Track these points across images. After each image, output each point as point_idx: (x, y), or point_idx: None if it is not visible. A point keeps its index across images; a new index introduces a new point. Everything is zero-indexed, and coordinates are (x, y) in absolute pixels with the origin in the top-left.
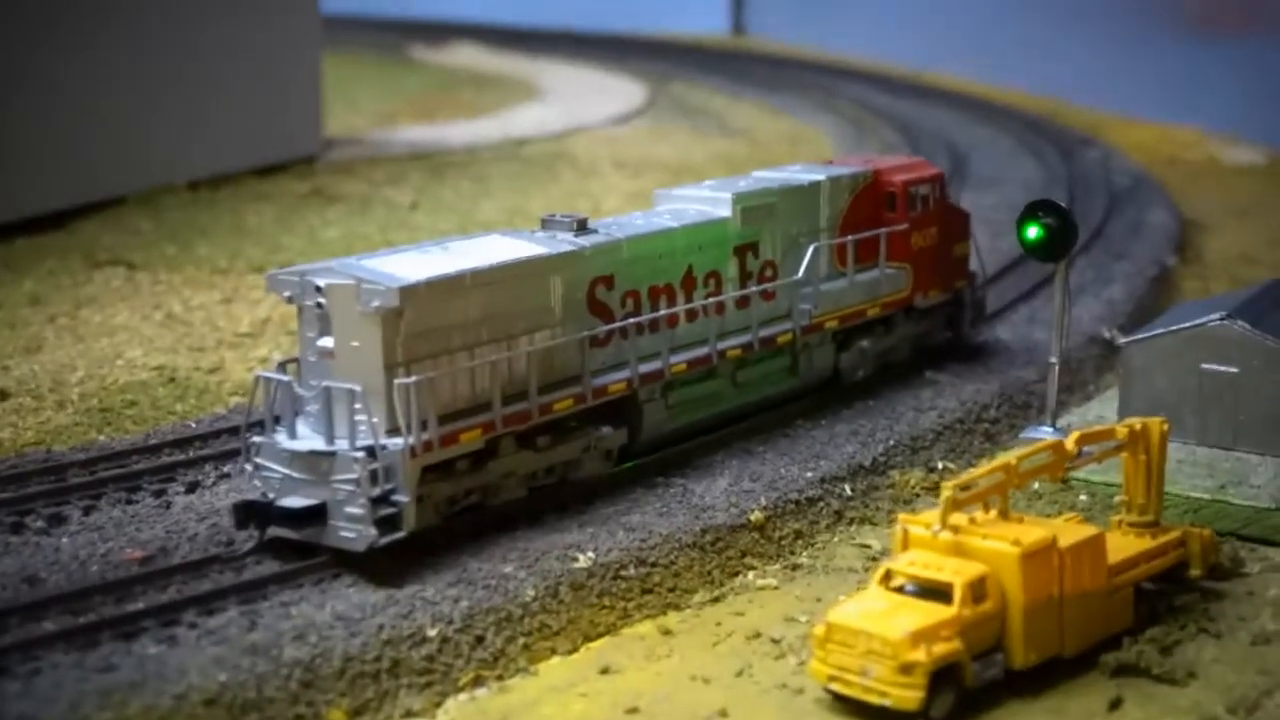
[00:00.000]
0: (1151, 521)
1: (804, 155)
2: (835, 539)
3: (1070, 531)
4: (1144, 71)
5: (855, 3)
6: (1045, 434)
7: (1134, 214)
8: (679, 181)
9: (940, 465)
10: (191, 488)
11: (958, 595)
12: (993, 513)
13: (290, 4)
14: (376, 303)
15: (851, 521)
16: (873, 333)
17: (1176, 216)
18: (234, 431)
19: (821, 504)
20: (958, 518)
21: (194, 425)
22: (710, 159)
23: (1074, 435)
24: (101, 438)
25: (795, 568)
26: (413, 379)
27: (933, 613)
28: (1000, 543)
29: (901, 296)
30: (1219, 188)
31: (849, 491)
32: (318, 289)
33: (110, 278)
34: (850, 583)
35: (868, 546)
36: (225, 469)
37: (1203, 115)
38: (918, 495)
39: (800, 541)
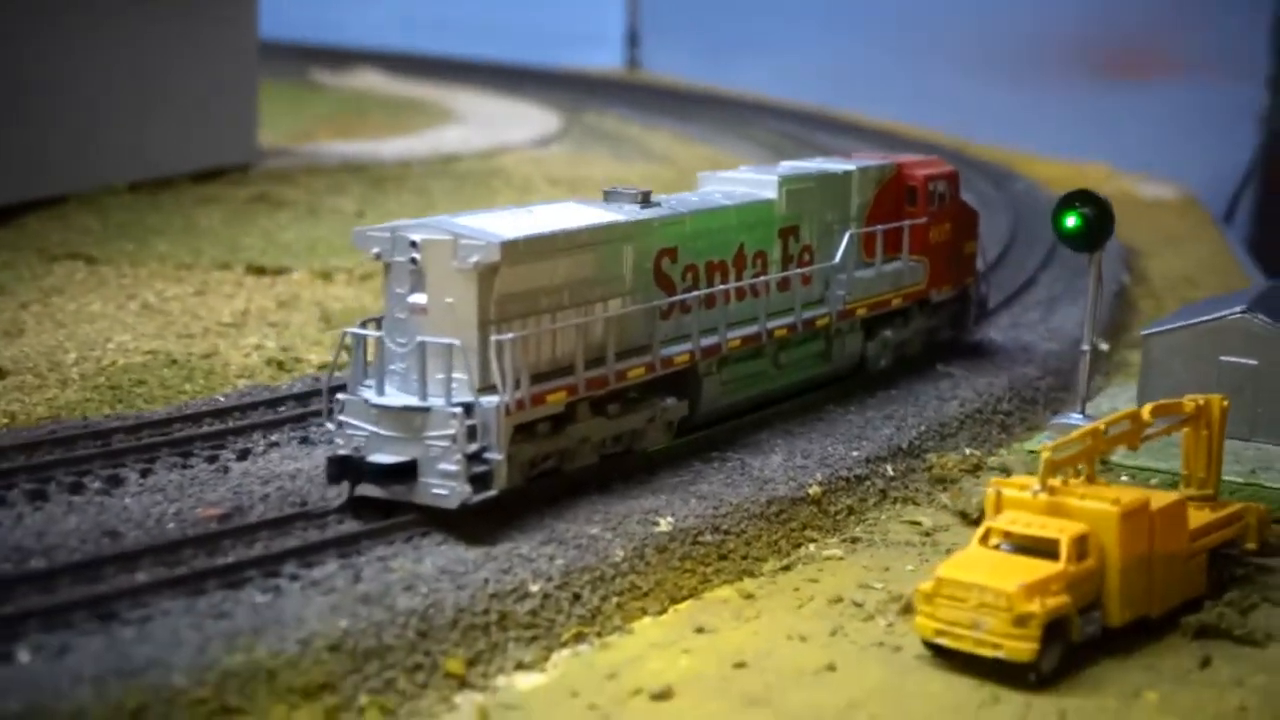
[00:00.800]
0: (1210, 495)
1: None
2: (884, 515)
3: (1155, 496)
4: (1048, 113)
5: (754, 41)
6: (1076, 420)
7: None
8: None
9: (967, 451)
10: (243, 455)
11: (1064, 551)
12: (1082, 477)
13: (229, 16)
14: (475, 258)
15: (895, 500)
16: (893, 323)
17: (1116, 242)
18: (271, 405)
19: (868, 482)
20: (1055, 480)
21: (222, 400)
22: (642, 180)
23: (1148, 406)
24: (114, 412)
25: (854, 540)
26: (509, 335)
27: (1041, 568)
28: (1100, 502)
29: (920, 289)
30: (1143, 219)
31: (891, 472)
32: (412, 244)
33: (71, 270)
34: (910, 555)
35: (918, 523)
36: (272, 438)
37: (1108, 153)
38: (961, 476)
39: (853, 517)
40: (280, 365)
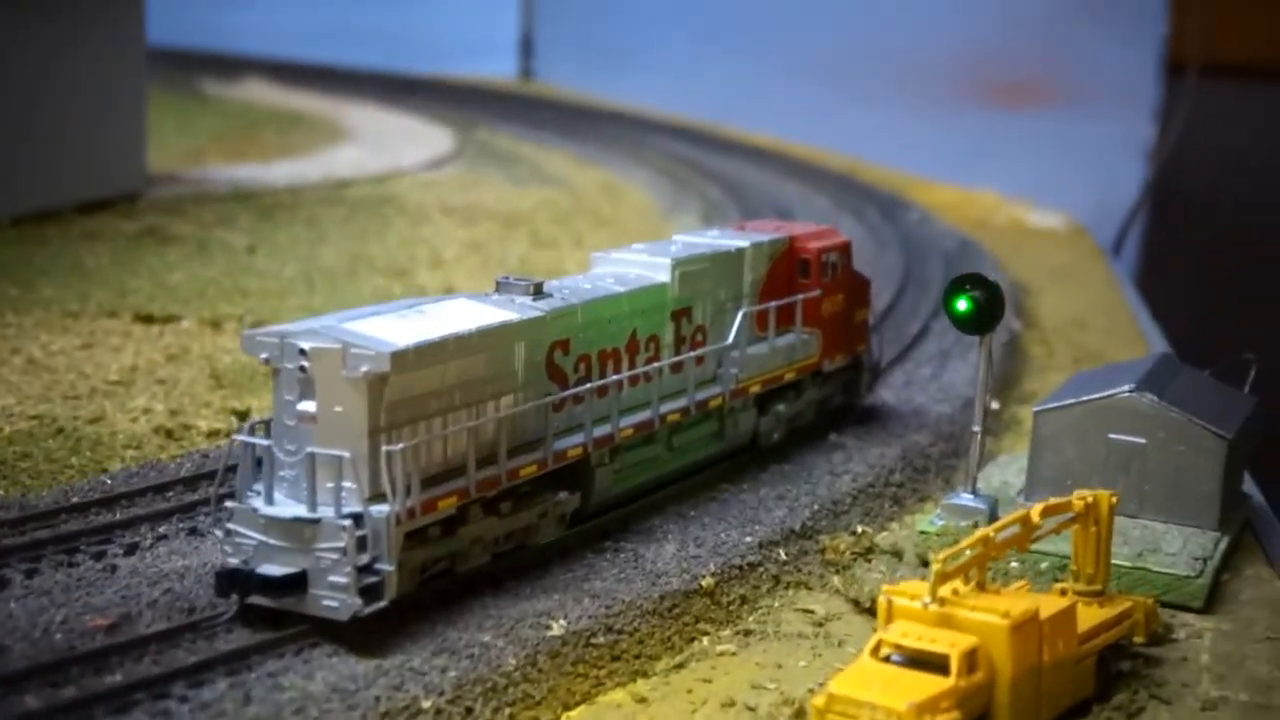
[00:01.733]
0: (1098, 591)
1: (624, 207)
2: (777, 603)
3: (1044, 602)
4: (939, 138)
5: (647, 54)
6: (966, 500)
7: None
8: (512, 230)
9: (859, 529)
10: (130, 550)
11: (954, 666)
12: (972, 584)
13: (115, 33)
14: (365, 368)
15: (789, 586)
16: (786, 396)
17: (1006, 281)
18: (159, 490)
19: (761, 569)
20: (945, 588)
21: (109, 482)
22: (536, 207)
23: (1037, 508)
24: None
25: (747, 633)
26: (400, 445)
27: (931, 684)
28: (989, 614)
29: (812, 361)
30: (1031, 251)
31: (783, 556)
32: (301, 352)
33: None
34: (804, 649)
35: (810, 611)
36: (160, 530)
37: (997, 180)
38: (853, 560)
39: (746, 606)
40: (169, 434)
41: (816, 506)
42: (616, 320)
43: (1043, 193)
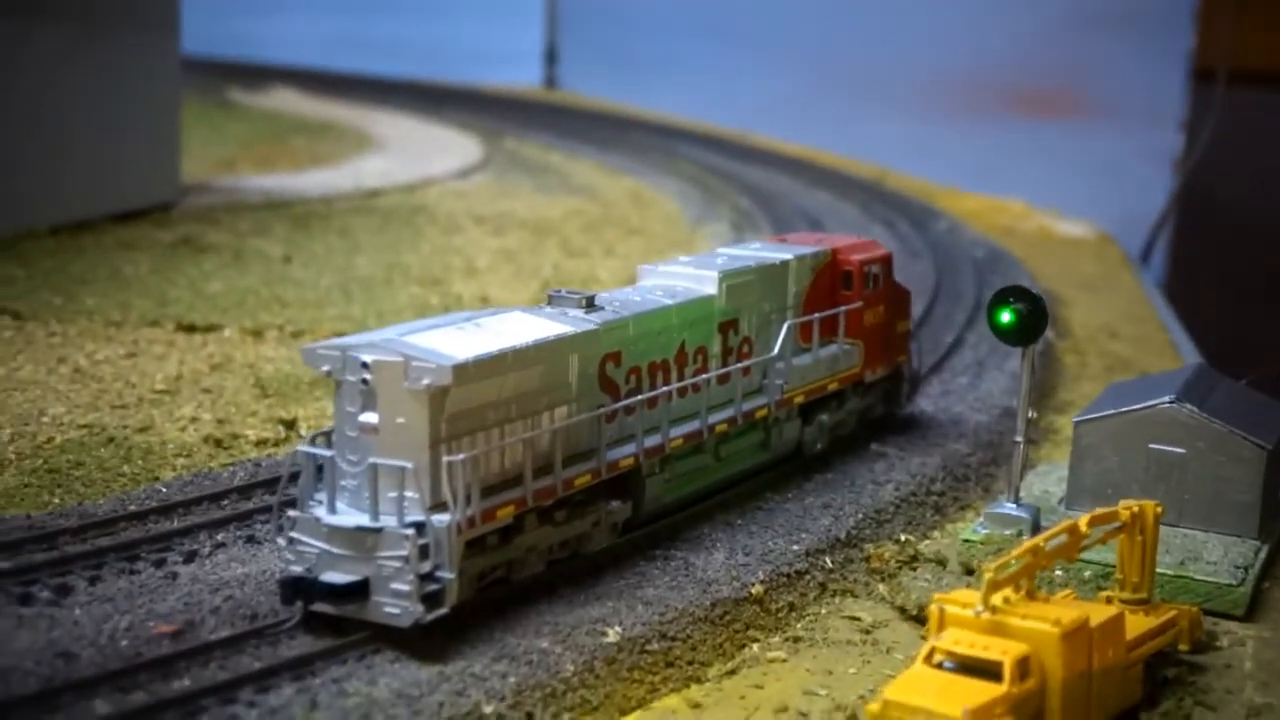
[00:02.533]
0: (1144, 599)
1: (653, 216)
2: (824, 611)
3: (1093, 611)
4: (968, 147)
5: (672, 63)
6: (1009, 509)
7: (1001, 283)
8: (543, 239)
9: (903, 537)
10: (189, 557)
11: (1007, 673)
12: (1021, 593)
13: (151, 44)
14: (427, 380)
15: (835, 594)
16: (829, 406)
17: (1037, 289)
18: (213, 499)
19: (808, 576)
20: (997, 597)
21: (164, 490)
22: (566, 216)
23: (1085, 518)
24: (55, 501)
25: (796, 640)
26: (460, 456)
27: (985, 690)
28: (1041, 622)
29: (855, 371)
30: (1060, 260)
31: (829, 564)
32: (364, 365)
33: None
34: (853, 655)
35: (857, 619)
36: (218, 537)
37: (1026, 189)
38: (898, 568)
39: (794, 614)
40: (218, 443)
41: (860, 515)
42: (665, 332)
43: (1070, 202)
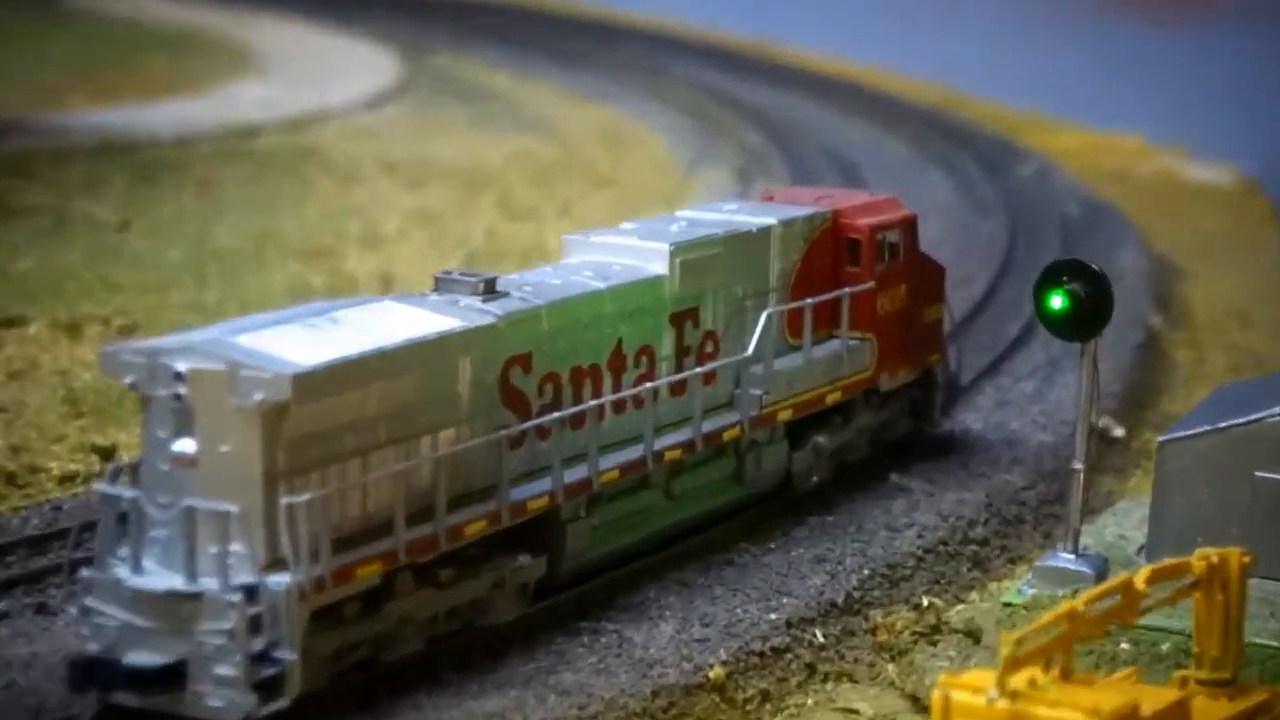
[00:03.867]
0: (1227, 679)
1: (633, 161)
2: (811, 701)
3: (1148, 696)
4: (1068, 63)
5: None
6: (1066, 562)
7: (1099, 254)
8: (476, 194)
9: (925, 601)
10: None
11: None
12: (1054, 672)
13: None
14: (260, 395)
15: (827, 677)
16: (829, 424)
17: (1148, 257)
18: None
19: (790, 655)
20: (1019, 678)
21: None
22: (511, 161)
23: (1144, 572)
24: None
25: None
26: (305, 496)
27: None
28: (1073, 713)
29: (865, 376)
30: (1184, 217)
31: (820, 638)
32: (177, 375)
33: None
34: None
35: (855, 712)
36: (2, 605)
37: (1142, 119)
38: (914, 643)
39: (768, 705)
40: (10, 478)
41: (867, 572)
42: (596, 326)
43: (1203, 137)
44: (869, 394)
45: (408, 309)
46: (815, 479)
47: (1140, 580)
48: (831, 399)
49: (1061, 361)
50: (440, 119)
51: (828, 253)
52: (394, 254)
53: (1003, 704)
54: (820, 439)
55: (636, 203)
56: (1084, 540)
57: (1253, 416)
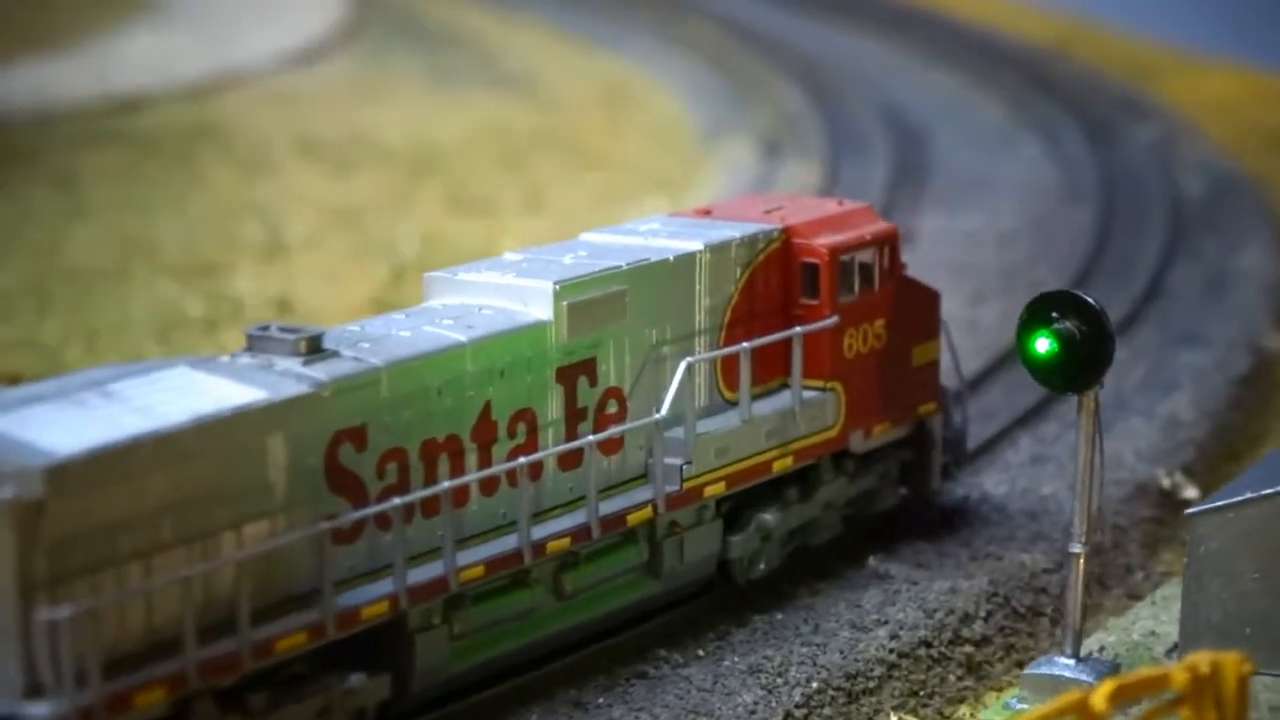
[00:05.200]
0: None
1: (637, 129)
2: None
3: None
4: None
5: None
6: (1063, 669)
7: (1214, 252)
8: (418, 182)
9: (891, 718)
10: None
11: None
12: None
13: None
14: (8, 490)
15: None
16: (781, 498)
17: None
18: None
19: None
20: None
21: None
22: (476, 133)
23: (1105, 688)
24: None
25: None
26: (65, 610)
27: None
28: None
29: (828, 437)
30: None
31: None
32: None
33: None
34: None
35: None
36: None
37: None
38: None
39: None
40: None
41: (816, 685)
42: (455, 390)
43: None
44: (839, 458)
45: (206, 377)
46: (762, 568)
47: (1100, 697)
48: (780, 466)
49: (1131, 402)
50: (388, 75)
51: (776, 282)
52: (298, 268)
53: None
54: (767, 517)
55: (628, 190)
56: (1106, 638)
57: None
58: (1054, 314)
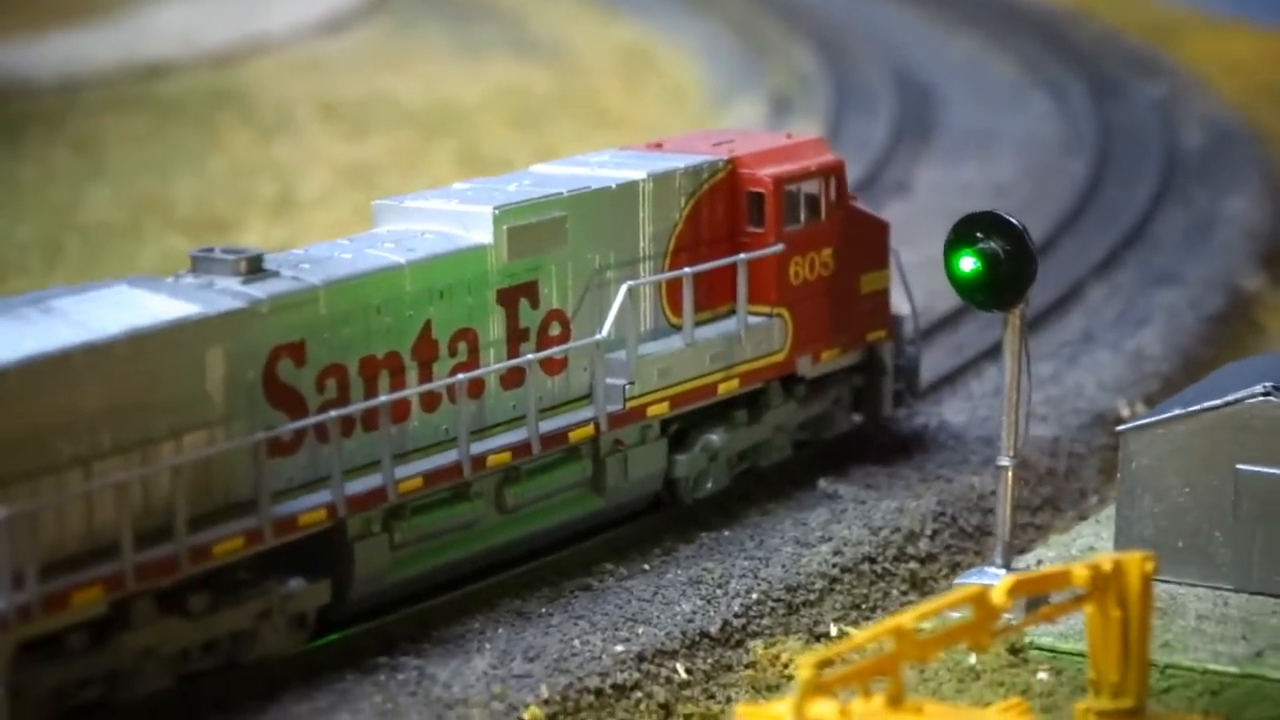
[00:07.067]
0: (1132, 709)
1: (653, 92)
2: None
3: None
4: None
5: None
6: (992, 579)
7: (1204, 200)
8: (433, 142)
9: (835, 630)
10: None
11: None
12: (877, 699)
13: None
14: None
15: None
16: (729, 420)
17: (1272, 204)
18: None
19: (639, 693)
20: (824, 708)
21: None
22: (493, 97)
23: (1007, 582)
24: None
25: None
26: (1, 512)
27: None
28: None
29: (775, 361)
30: None
31: (683, 674)
32: None
33: None
34: None
35: None
36: None
37: None
38: (791, 678)
39: None
40: None
41: (756, 596)
42: (393, 308)
43: None
44: (789, 383)
45: (146, 294)
46: (710, 487)
47: (1000, 594)
48: (726, 389)
49: (1099, 335)
50: (414, 44)
51: (723, 211)
52: (308, 224)
53: None
54: (713, 438)
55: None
56: (1046, 553)
57: (1233, 398)
58: (979, 234)
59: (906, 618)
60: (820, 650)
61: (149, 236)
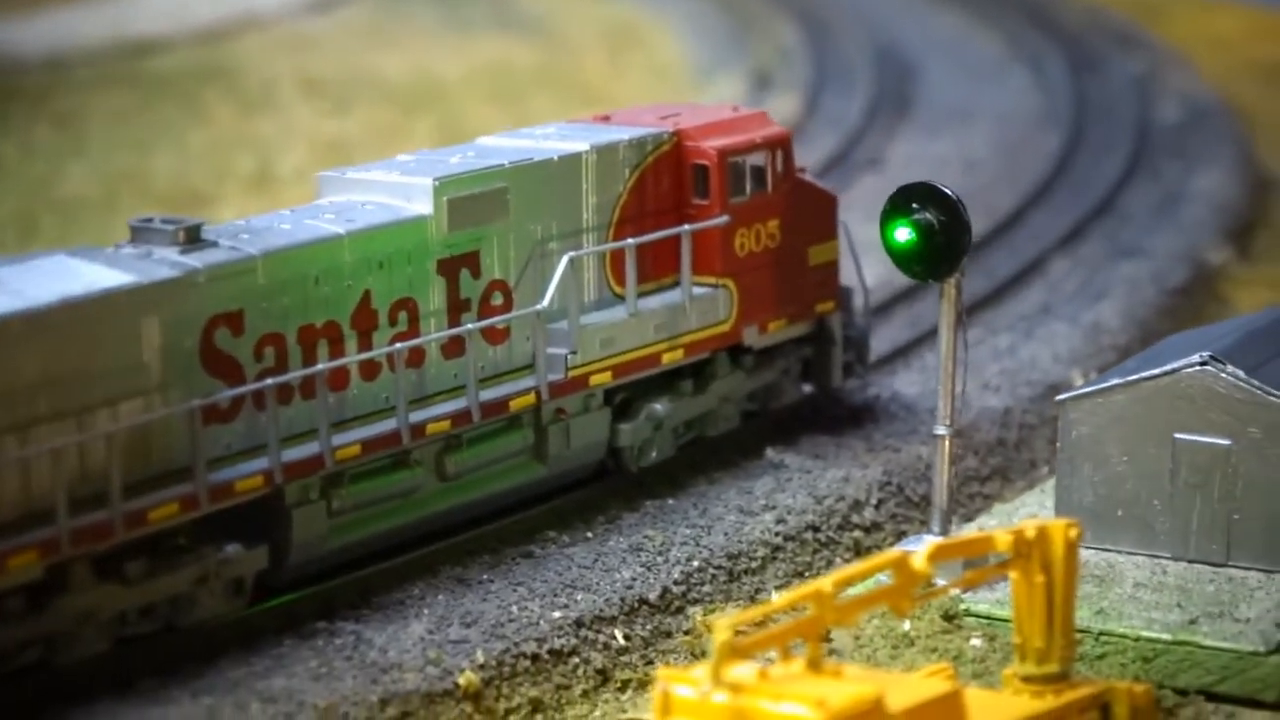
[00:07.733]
0: (1057, 674)
1: (637, 68)
2: (597, 712)
3: (913, 688)
4: None
5: None
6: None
7: (1174, 174)
8: (416, 116)
9: (775, 595)
10: None
11: None
12: (798, 662)
13: None
14: None
15: (625, 686)
16: (674, 390)
17: (1244, 179)
18: None
19: (576, 659)
20: (742, 671)
21: None
22: (477, 73)
23: (931, 547)
24: None
25: None
26: None
27: None
28: (798, 705)
29: (720, 331)
30: None
31: (620, 640)
32: None
33: None
34: None
35: None
36: None
37: None
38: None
39: (539, 717)
40: None
41: (697, 563)
42: (332, 278)
43: None
44: (736, 354)
45: (82, 264)
46: (654, 456)
47: (921, 560)
48: (670, 359)
49: (1058, 309)
50: (400, 20)
51: (668, 183)
52: (285, 198)
53: (722, 697)
54: (658, 407)
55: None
56: (988, 521)
57: (1171, 367)
58: (914, 205)
59: (826, 581)
60: (738, 613)
61: (124, 210)
